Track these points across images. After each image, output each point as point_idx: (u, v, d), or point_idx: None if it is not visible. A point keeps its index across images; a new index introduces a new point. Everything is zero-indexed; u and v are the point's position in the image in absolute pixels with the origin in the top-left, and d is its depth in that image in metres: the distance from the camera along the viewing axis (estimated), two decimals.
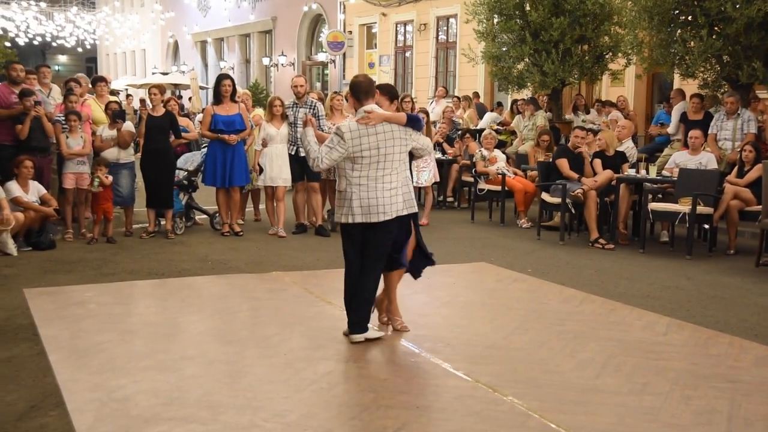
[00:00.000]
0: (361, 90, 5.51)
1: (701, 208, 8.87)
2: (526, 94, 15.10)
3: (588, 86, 16.40)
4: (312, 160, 5.45)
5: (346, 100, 11.84)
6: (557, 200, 9.79)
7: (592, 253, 9.08)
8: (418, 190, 11.04)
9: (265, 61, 29.71)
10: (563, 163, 9.95)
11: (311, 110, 9.75)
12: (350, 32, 24.30)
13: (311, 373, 4.85)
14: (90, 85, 11.13)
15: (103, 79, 11.05)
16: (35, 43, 36.44)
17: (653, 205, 9.27)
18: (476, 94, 18.49)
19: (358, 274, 5.53)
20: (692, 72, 11.19)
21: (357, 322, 5.52)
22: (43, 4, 34.21)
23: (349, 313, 5.55)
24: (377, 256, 5.51)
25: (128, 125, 9.60)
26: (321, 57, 26.41)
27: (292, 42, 28.01)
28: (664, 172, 9.78)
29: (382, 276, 5.67)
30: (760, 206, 8.63)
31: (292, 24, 27.95)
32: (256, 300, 6.73)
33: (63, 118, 9.46)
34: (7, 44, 35.06)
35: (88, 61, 50.66)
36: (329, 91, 21.05)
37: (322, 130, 9.80)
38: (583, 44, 13.39)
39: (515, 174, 11.45)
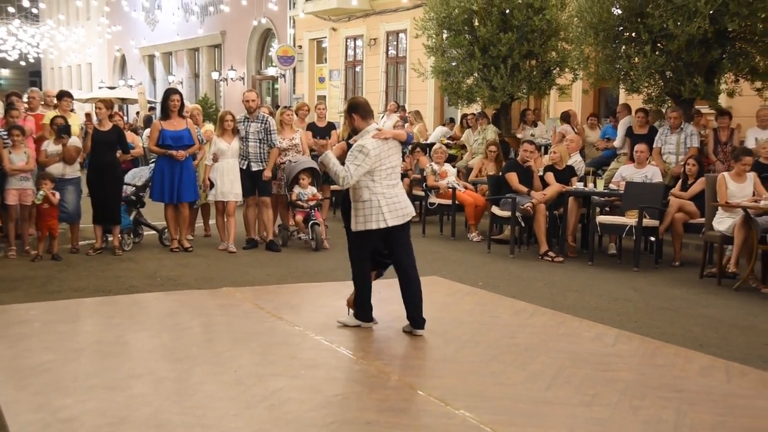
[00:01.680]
0: (366, 110, 6.21)
1: (647, 221, 9.04)
2: (475, 108, 15.24)
3: (536, 100, 16.64)
4: (342, 179, 5.94)
5: (296, 114, 11.91)
6: (507, 214, 9.88)
7: (542, 266, 9.18)
8: None
9: (215, 75, 29.53)
10: (513, 177, 10.06)
11: (263, 125, 9.72)
12: (300, 47, 24.29)
13: (262, 389, 4.81)
14: (43, 100, 10.96)
15: (68, 95, 10.89)
16: None
17: (601, 218, 9.42)
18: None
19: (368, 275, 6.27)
20: (637, 87, 11.42)
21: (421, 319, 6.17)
22: None
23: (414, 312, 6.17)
24: (410, 252, 6.30)
25: (74, 140, 9.45)
26: (271, 71, 26.35)
27: (241, 56, 27.89)
28: (611, 186, 9.95)
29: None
30: (703, 219, 8.84)
31: (241, 38, 27.84)
32: (206, 316, 6.66)
33: (5, 133, 9.26)
34: None
35: (32, 75, 49.69)
36: (280, 105, 21.00)
37: (273, 145, 9.80)
38: (531, 59, 13.57)
39: (465, 188, 11.54)
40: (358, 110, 6.14)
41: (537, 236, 9.75)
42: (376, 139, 6.01)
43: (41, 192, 8.87)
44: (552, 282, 8.30)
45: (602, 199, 9.79)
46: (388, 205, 6.04)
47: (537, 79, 13.53)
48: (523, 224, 9.91)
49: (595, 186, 9.76)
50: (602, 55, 11.71)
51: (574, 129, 13.57)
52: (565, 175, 10.11)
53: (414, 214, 6.31)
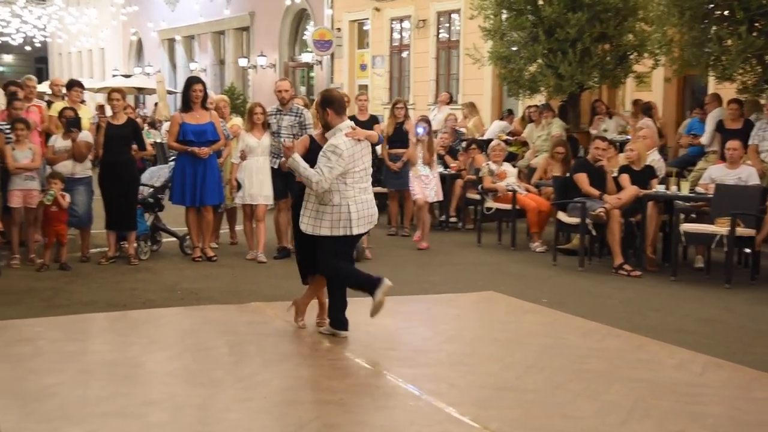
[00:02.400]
0: (341, 106, 6.50)
1: (741, 230, 8.89)
2: (539, 99, 15.16)
3: (610, 91, 16.49)
4: (315, 183, 6.20)
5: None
6: (576, 220, 9.81)
7: (616, 281, 9.09)
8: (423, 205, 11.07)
9: (242, 62, 29.79)
10: (582, 179, 9.98)
11: (297, 118, 9.78)
12: (339, 29, 24.40)
13: (297, 418, 4.83)
14: (52, 89, 11.17)
15: (78, 84, 11.07)
16: None
17: (686, 227, 9.30)
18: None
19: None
20: (729, 74, 11.25)
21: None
22: None
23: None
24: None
25: (85, 135, 9.61)
26: (306, 57, 26.50)
27: (272, 40, 28.11)
28: (698, 189, 9.82)
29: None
30: None
31: (272, 20, 28.07)
32: (232, 335, 6.71)
33: (8, 127, 9.45)
34: None
35: (37, 61, 50.68)
36: (315, 97, 21.12)
37: None
38: (603, 43, 13.45)
39: (528, 191, 11.47)
40: (332, 105, 6.45)
41: (610, 246, 9.65)
42: (349, 139, 6.35)
43: (51, 192, 9.02)
44: (628, 299, 8.21)
45: (687, 204, 9.65)
46: (358, 211, 6.39)
47: (611, 65, 13.41)
48: (594, 233, 9.82)
49: (679, 189, 9.63)
50: (688, 37, 11.55)
51: (655, 123, 13.42)
52: (644, 176, 10.00)
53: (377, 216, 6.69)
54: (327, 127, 6.51)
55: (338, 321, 6.62)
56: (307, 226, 6.41)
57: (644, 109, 13.79)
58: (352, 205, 6.36)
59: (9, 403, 5.05)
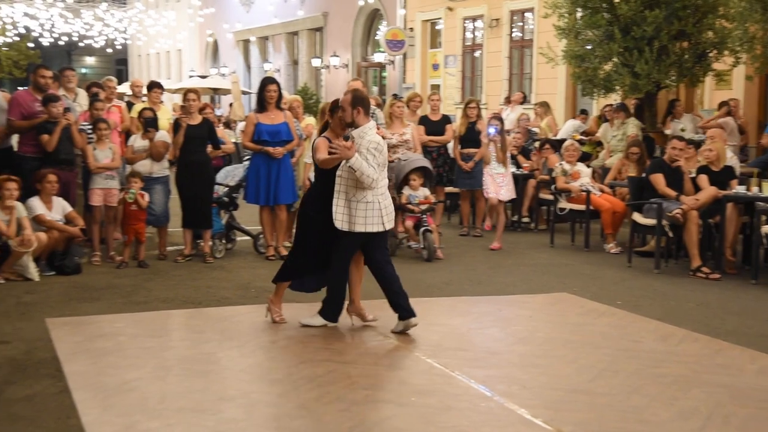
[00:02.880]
0: (369, 107, 6.78)
1: None
2: (614, 99, 14.95)
3: (687, 90, 16.18)
4: (373, 181, 6.49)
5: (407, 106, 12.00)
6: (652, 222, 9.65)
7: (693, 284, 8.92)
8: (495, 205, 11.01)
9: (315, 62, 30.04)
10: (659, 179, 9.81)
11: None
12: (411, 29, 24.43)
13: (368, 418, 4.86)
14: (145, 90, 11.39)
15: (158, 85, 11.28)
16: (60, 43, 37.47)
17: (767, 228, 9.07)
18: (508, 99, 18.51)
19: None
20: None
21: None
22: (69, 0, 35.24)
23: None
24: (386, 249, 7.01)
25: (162, 135, 9.79)
26: (378, 57, 26.59)
27: (345, 41, 28.29)
28: None
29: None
30: None
31: (345, 20, 28.25)
32: (305, 333, 6.77)
33: (89, 127, 9.69)
34: (30, 45, 36.17)
35: (117, 63, 51.94)
36: (387, 96, 21.17)
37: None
38: (682, 41, 13.21)
39: (602, 191, 11.32)
40: (364, 105, 6.65)
41: (688, 248, 9.47)
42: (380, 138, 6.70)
43: (132, 190, 9.22)
44: (706, 303, 8.05)
45: None
46: (386, 207, 6.68)
47: (689, 63, 13.15)
48: (670, 234, 9.65)
49: (761, 190, 9.40)
50: None
51: (736, 122, 13.13)
52: (723, 177, 9.78)
53: None
54: (353, 126, 6.65)
55: (333, 312, 6.88)
56: (342, 223, 6.57)
57: (723, 107, 13.49)
58: (382, 201, 6.64)
59: (90, 396, 5.17)
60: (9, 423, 4.75)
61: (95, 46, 38.50)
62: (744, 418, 4.94)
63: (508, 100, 18.76)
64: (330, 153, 6.57)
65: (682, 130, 13.47)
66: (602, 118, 14.94)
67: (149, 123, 9.71)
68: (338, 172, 6.61)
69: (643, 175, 10.30)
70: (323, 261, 6.82)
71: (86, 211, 9.63)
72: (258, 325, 7.02)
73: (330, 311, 6.87)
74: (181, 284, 8.50)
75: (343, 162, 6.50)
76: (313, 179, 9.74)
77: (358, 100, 6.63)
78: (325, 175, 6.72)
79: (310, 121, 11.20)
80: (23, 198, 8.84)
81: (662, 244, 9.72)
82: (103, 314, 7.26)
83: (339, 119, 6.79)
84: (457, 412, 5.05)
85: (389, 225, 6.73)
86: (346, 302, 6.98)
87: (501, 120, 11.19)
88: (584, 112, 17.40)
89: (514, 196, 11.25)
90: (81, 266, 9.01)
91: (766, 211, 9.41)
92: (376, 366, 5.93)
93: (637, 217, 10.00)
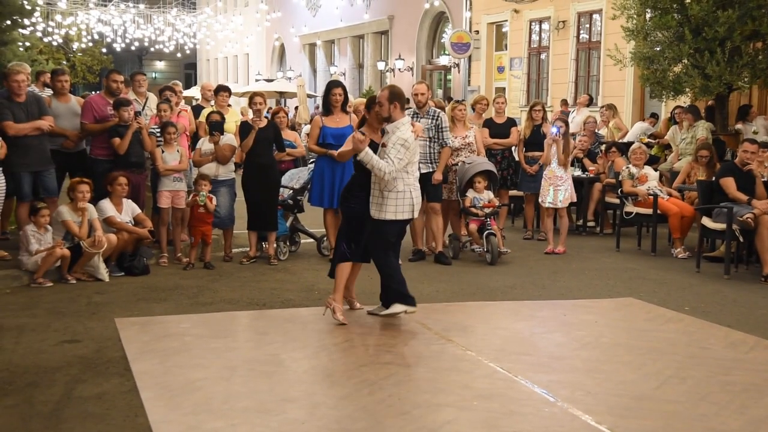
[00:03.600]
0: (404, 102, 7.09)
1: None
2: (683, 101, 14.70)
3: (761, 91, 15.83)
4: (387, 174, 6.80)
5: (474, 108, 11.96)
6: (721, 226, 9.46)
7: (765, 290, 8.72)
8: (554, 213, 10.91)
9: (381, 65, 30.14)
10: (729, 183, 9.62)
11: (433, 121, 9.81)
12: (477, 32, 24.36)
13: (429, 421, 4.85)
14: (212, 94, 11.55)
15: (225, 89, 11.42)
16: (132, 48, 38.28)
17: None
18: (564, 102, 18.32)
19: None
20: None
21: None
22: (141, 6, 35.98)
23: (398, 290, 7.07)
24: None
25: (229, 138, 9.91)
26: (443, 60, 26.56)
27: (410, 44, 28.32)
28: None
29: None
30: None
31: (411, 23, 28.28)
32: (367, 336, 6.79)
33: (158, 130, 9.87)
34: (103, 50, 37.03)
35: (186, 67, 52.85)
36: (452, 99, 21.13)
37: (445, 144, 9.85)
38: (755, 41, 12.95)
39: (670, 195, 11.13)
40: (401, 100, 6.96)
41: (759, 254, 9.27)
42: (411, 133, 6.99)
43: (202, 193, 9.37)
44: None
45: None
46: (416, 197, 7.08)
47: (763, 65, 12.89)
48: (741, 239, 9.45)
49: None
50: None
51: None
52: None
53: None
54: (388, 120, 6.96)
55: (404, 296, 7.06)
56: (374, 212, 6.96)
57: None
58: (414, 191, 7.03)
59: (157, 395, 5.27)
60: (80, 420, 4.87)
61: (165, 51, 39.25)
62: None
63: (565, 102, 18.64)
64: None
65: (755, 132, 13.18)
66: (672, 121, 14.69)
67: (214, 126, 9.84)
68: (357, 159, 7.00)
69: (714, 178, 10.11)
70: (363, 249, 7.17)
71: (154, 213, 9.82)
72: (321, 327, 7.07)
73: (401, 296, 7.06)
74: (245, 286, 8.60)
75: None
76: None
77: (395, 96, 6.94)
78: (361, 166, 7.03)
79: None
80: (94, 200, 9.04)
81: (732, 249, 9.52)
82: (170, 315, 7.39)
83: (376, 114, 7.10)
84: (519, 417, 5.01)
85: (416, 214, 7.19)
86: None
87: (566, 122, 11.07)
88: (654, 115, 17.13)
89: (573, 200, 11.08)
90: (149, 267, 9.18)
91: None
92: (437, 370, 5.91)
93: (707, 221, 9.82)
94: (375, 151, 6.91)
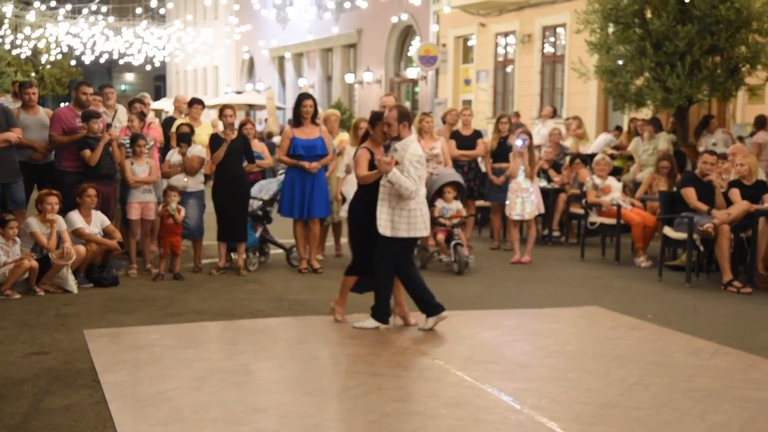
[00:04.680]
0: (412, 120, 7.30)
1: None
2: (645, 113, 14.85)
3: (720, 104, 16.04)
4: (412, 192, 6.87)
5: (444, 120, 12.00)
6: (683, 235, 9.56)
7: (725, 298, 8.82)
8: (520, 223, 10.97)
9: (349, 78, 30.16)
10: (690, 193, 9.72)
11: None
12: (444, 45, 24.46)
13: (398, 430, 4.85)
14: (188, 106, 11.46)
15: (198, 101, 11.33)
16: (101, 61, 37.99)
17: None
18: (516, 114, 18.37)
19: None
20: None
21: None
22: (111, 19, 35.73)
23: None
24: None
25: (198, 149, 9.87)
26: (411, 73, 26.64)
27: (379, 57, 28.38)
28: None
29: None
30: None
31: (379, 37, 28.34)
32: (337, 345, 6.79)
33: (128, 142, 9.80)
34: (72, 62, 36.69)
35: (156, 79, 52.50)
36: (419, 111, 21.19)
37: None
38: (714, 55, 13.12)
39: (632, 205, 11.24)
40: (409, 119, 7.07)
41: (719, 263, 9.37)
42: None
43: (172, 204, 9.31)
44: (737, 317, 7.95)
45: None
46: (425, 214, 7.13)
47: (721, 78, 13.05)
48: (702, 248, 9.55)
49: None
50: None
51: None
52: (755, 191, 9.67)
53: None
54: (397, 139, 7.02)
55: (382, 314, 7.21)
56: (385, 229, 6.95)
57: (758, 122, 13.36)
58: (423, 208, 7.10)
59: (126, 406, 5.22)
60: None
61: (134, 63, 38.99)
62: None
63: (517, 114, 18.60)
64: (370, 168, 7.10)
65: (714, 144, 13.35)
66: (634, 133, 14.84)
67: (182, 138, 9.80)
68: (382, 181, 7.01)
69: (675, 189, 10.22)
70: (370, 264, 7.15)
71: (124, 224, 9.75)
72: (291, 337, 7.05)
73: (379, 313, 7.18)
74: (215, 296, 8.55)
75: (384, 174, 6.91)
76: (345, 193, 9.87)
77: (404, 116, 7.03)
78: (367, 186, 7.09)
79: (343, 137, 11.17)
80: (63, 212, 8.95)
81: (693, 258, 9.62)
82: (139, 326, 7.33)
83: (381, 132, 7.15)
84: (486, 425, 5.02)
85: (427, 231, 7.26)
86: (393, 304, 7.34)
87: (529, 134, 11.15)
88: (619, 128, 17.25)
89: (541, 211, 11.16)
90: (118, 278, 9.10)
91: None
92: (406, 378, 5.92)
93: (668, 231, 9.92)
94: (372, 168, 7.04)
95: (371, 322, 7.17)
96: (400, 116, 7.00)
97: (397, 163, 6.89)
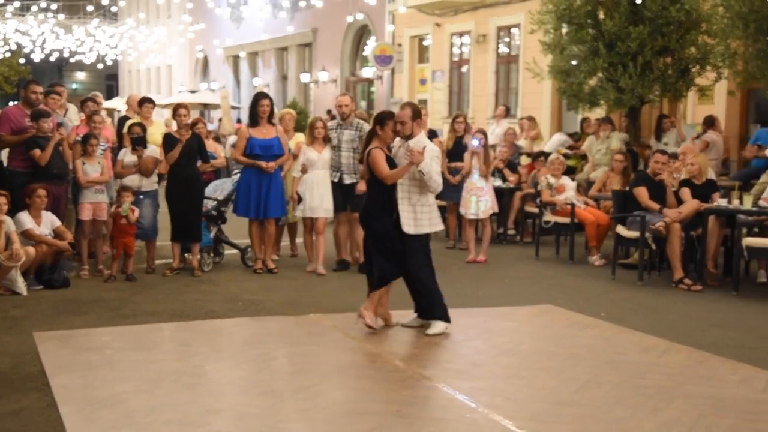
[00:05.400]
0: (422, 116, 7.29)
1: None
2: (598, 113, 15.01)
3: (671, 104, 16.26)
4: (440, 185, 7.06)
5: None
6: (635, 234, 9.68)
7: (676, 296, 8.94)
8: (476, 222, 11.03)
9: (304, 77, 30.07)
10: (642, 192, 9.85)
11: (357, 132, 9.83)
12: (399, 45, 24.49)
13: (358, 428, 4.84)
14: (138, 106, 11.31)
15: (149, 100, 11.22)
16: (51, 59, 37.45)
17: (748, 241, 9.10)
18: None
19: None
20: None
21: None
22: (61, 16, 35.21)
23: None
24: None
25: (152, 150, 9.78)
26: (367, 73, 26.63)
27: (334, 56, 28.32)
28: (761, 203, 9.61)
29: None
30: None
31: (334, 36, 28.29)
32: (292, 346, 6.76)
33: (81, 141, 9.66)
34: (21, 60, 36.10)
35: (108, 78, 51.83)
36: (375, 111, 21.20)
37: None
38: (665, 56, 13.29)
39: (586, 204, 11.35)
40: (420, 116, 7.15)
41: (670, 261, 9.50)
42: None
43: (125, 204, 9.20)
44: (688, 314, 8.06)
45: (750, 218, 9.45)
46: (435, 210, 7.26)
47: (672, 79, 13.23)
48: (653, 247, 9.68)
49: (742, 203, 9.44)
50: (753, 49, 11.37)
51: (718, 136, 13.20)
52: (705, 190, 9.83)
53: None
54: (409, 137, 7.03)
55: (444, 311, 7.12)
56: (409, 227, 6.98)
57: (707, 122, 13.57)
58: (436, 203, 7.36)
59: (77, 410, 5.14)
60: None
61: (86, 61, 38.51)
62: (726, 429, 4.95)
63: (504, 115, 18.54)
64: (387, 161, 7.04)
65: (665, 144, 13.53)
66: (581, 131, 14.99)
67: (137, 142, 9.69)
68: (399, 181, 7.01)
69: (627, 188, 10.35)
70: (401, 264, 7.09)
71: (75, 225, 9.61)
72: (246, 338, 7.01)
73: (442, 311, 7.12)
74: (169, 298, 8.47)
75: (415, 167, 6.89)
76: (301, 194, 9.83)
77: (417, 114, 7.11)
78: (381, 185, 7.01)
79: (299, 138, 11.06)
80: (12, 212, 8.80)
81: (645, 256, 9.74)
82: (91, 328, 7.23)
83: (392, 131, 7.08)
84: (442, 424, 5.04)
85: (442, 224, 7.58)
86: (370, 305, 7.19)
87: (484, 133, 11.21)
88: (575, 135, 17.28)
89: (495, 210, 11.24)
90: (69, 280, 8.98)
91: (747, 224, 9.46)
92: (361, 378, 5.91)
93: (621, 229, 10.03)
94: (392, 167, 6.98)
95: (440, 325, 7.05)
96: (413, 114, 7.05)
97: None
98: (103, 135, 10.07)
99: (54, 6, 30.87)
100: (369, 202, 7.22)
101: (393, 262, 7.01)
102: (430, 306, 7.11)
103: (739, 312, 8.20)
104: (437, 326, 7.02)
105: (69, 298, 8.39)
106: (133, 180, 9.64)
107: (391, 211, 7.01)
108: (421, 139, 7.07)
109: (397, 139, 7.15)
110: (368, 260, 7.21)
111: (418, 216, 7.00)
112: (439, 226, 7.30)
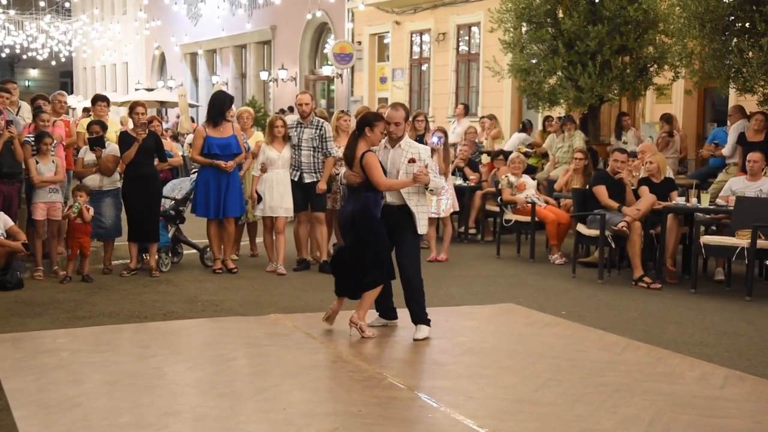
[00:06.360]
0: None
1: (762, 242, 8.82)
2: (558, 111, 15.13)
3: (629, 103, 16.44)
4: (443, 187, 7.39)
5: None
6: (595, 232, 9.77)
7: (635, 294, 9.05)
8: (437, 221, 11.07)
9: (263, 75, 29.96)
10: (602, 191, 9.95)
11: (317, 131, 9.81)
12: (359, 43, 24.50)
13: (317, 428, 4.84)
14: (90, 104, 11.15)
15: (103, 98, 11.07)
16: (2, 55, 36.91)
17: (706, 239, 9.24)
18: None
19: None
20: (750, 86, 11.18)
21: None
22: (12, 12, 34.70)
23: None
24: None
25: (112, 148, 9.68)
26: (326, 71, 26.61)
27: (293, 54, 28.24)
28: (719, 201, 9.75)
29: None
30: None
31: (293, 34, 28.21)
32: (252, 347, 6.73)
33: (33, 139, 9.54)
34: None
35: (62, 75, 51.21)
36: (335, 109, 21.17)
37: (329, 154, 9.88)
38: (624, 55, 13.42)
39: (547, 203, 11.44)
40: (408, 118, 7.28)
41: (630, 259, 9.61)
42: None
43: (76, 204, 9.10)
44: (648, 312, 8.16)
45: (708, 216, 9.59)
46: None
47: (631, 78, 13.37)
48: (613, 245, 9.78)
49: (699, 201, 9.58)
50: (709, 49, 11.50)
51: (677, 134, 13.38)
52: (664, 189, 9.95)
53: None
54: (399, 139, 7.04)
55: (425, 317, 7.07)
56: (422, 228, 7.05)
57: (666, 118, 13.74)
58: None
59: (31, 414, 5.08)
60: None
61: (39, 58, 37.99)
62: (684, 425, 5.01)
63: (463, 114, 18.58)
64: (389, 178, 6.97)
65: (624, 142, 13.68)
66: (543, 129, 15.10)
67: (95, 142, 9.57)
68: None
69: (587, 187, 10.44)
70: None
71: (29, 225, 9.48)
72: (205, 339, 6.97)
73: (426, 316, 7.08)
74: (126, 298, 8.40)
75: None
76: (261, 193, 9.79)
77: (409, 114, 7.27)
78: (373, 188, 6.90)
79: (258, 137, 11.00)
80: None
81: (605, 254, 9.84)
82: (45, 330, 7.13)
83: (381, 133, 6.96)
84: (405, 423, 5.05)
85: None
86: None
87: (445, 132, 11.25)
88: (530, 123, 17.41)
89: (455, 209, 11.29)
90: (23, 281, 8.85)
91: (705, 222, 9.60)
92: (323, 378, 5.91)
93: (581, 228, 10.12)
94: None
95: (425, 329, 6.98)
96: (407, 116, 7.12)
97: (411, 161, 6.92)
98: (56, 133, 9.93)
99: (4, 1, 30.41)
100: (361, 205, 6.92)
101: (388, 266, 7.02)
102: (421, 310, 7.05)
103: (697, 309, 8.31)
104: (423, 330, 6.98)
105: (23, 299, 8.28)
106: (93, 179, 9.55)
107: (383, 213, 6.95)
108: (410, 141, 7.15)
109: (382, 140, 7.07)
110: (345, 263, 7.08)
111: (419, 217, 7.05)
112: (426, 227, 7.31)
